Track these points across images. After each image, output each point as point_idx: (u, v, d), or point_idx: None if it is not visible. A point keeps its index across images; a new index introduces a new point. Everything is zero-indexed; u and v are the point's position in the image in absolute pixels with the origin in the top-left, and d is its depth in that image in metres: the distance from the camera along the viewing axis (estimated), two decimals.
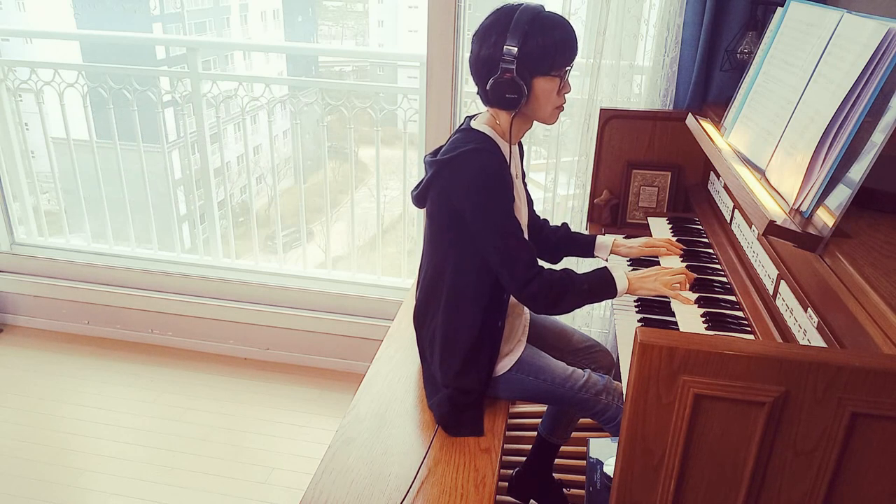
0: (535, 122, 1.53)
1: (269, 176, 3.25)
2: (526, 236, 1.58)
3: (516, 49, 1.35)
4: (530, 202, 1.70)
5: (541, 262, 1.48)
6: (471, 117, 1.53)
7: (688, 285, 1.52)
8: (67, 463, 2.24)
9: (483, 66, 1.41)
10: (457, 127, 1.56)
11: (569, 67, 1.44)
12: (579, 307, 1.53)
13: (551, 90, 1.42)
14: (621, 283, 1.47)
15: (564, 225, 1.78)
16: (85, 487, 2.14)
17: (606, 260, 1.74)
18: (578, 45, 1.44)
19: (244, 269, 2.84)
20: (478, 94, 1.46)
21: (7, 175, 2.94)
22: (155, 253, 2.95)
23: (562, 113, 1.51)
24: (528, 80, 1.39)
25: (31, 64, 2.80)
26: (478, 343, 1.52)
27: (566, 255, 1.80)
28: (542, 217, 1.78)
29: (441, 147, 1.50)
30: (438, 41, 2.25)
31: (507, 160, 1.46)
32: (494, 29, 1.38)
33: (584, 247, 1.76)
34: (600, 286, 1.47)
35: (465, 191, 1.40)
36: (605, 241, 1.74)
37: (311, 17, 11.27)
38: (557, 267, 1.59)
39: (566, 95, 1.48)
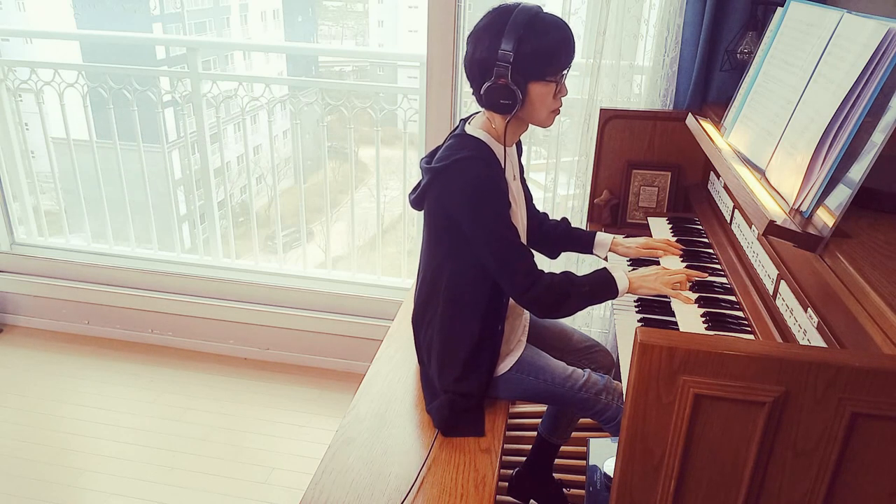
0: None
1: (269, 176, 3.25)
2: (524, 236, 1.57)
3: (511, 53, 1.32)
4: (529, 198, 1.69)
5: (539, 260, 1.47)
6: (465, 120, 1.52)
7: (688, 284, 1.52)
8: (67, 463, 2.24)
9: (478, 70, 1.39)
10: (452, 129, 1.55)
11: (566, 71, 1.41)
12: (582, 309, 1.53)
13: (547, 94, 1.40)
14: (622, 283, 1.47)
15: (564, 220, 1.78)
16: (85, 487, 2.14)
17: (606, 258, 1.74)
18: (576, 47, 1.41)
19: (244, 269, 2.84)
20: (473, 95, 1.45)
21: (7, 175, 2.94)
22: (155, 253, 2.94)
23: (562, 113, 1.51)
24: (523, 85, 1.37)
25: (31, 64, 2.80)
26: (478, 348, 1.51)
27: (565, 251, 1.80)
28: (541, 212, 1.78)
29: (436, 150, 1.49)
30: (438, 41, 2.25)
31: (503, 164, 1.44)
32: (489, 31, 1.35)
33: (583, 243, 1.75)
34: (601, 287, 1.47)
35: (460, 200, 1.40)
36: (604, 239, 1.73)
37: (311, 17, 11.26)
38: (556, 262, 1.59)
39: (564, 97, 1.47)
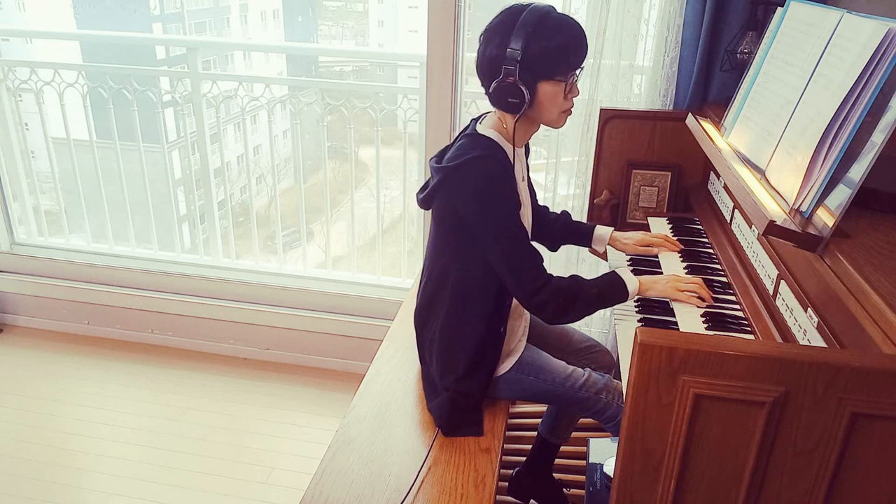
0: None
1: (269, 176, 3.26)
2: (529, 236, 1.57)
3: (519, 52, 1.32)
4: (533, 195, 1.70)
5: (548, 267, 1.46)
6: (476, 119, 1.51)
7: (698, 299, 1.47)
8: (67, 463, 2.24)
9: (488, 68, 1.38)
10: (463, 128, 1.54)
11: (578, 71, 1.40)
12: (590, 314, 1.50)
13: (556, 94, 1.39)
14: (632, 286, 1.45)
15: (564, 213, 1.78)
16: (85, 487, 2.14)
17: (604, 252, 1.76)
18: (588, 47, 1.39)
19: (244, 269, 2.84)
20: (486, 94, 1.43)
21: (7, 175, 2.94)
22: (155, 253, 2.95)
23: None
24: (532, 85, 1.36)
25: (31, 64, 2.80)
26: (480, 348, 1.51)
27: (564, 244, 1.80)
28: (542, 205, 1.78)
29: (446, 150, 1.48)
30: (438, 41, 2.25)
31: (513, 163, 1.44)
32: (500, 29, 1.35)
33: (582, 236, 1.76)
34: (611, 289, 1.45)
35: (471, 200, 1.39)
36: (602, 233, 1.74)
37: (311, 17, 11.25)
38: (557, 262, 1.58)
39: (575, 99, 1.45)
